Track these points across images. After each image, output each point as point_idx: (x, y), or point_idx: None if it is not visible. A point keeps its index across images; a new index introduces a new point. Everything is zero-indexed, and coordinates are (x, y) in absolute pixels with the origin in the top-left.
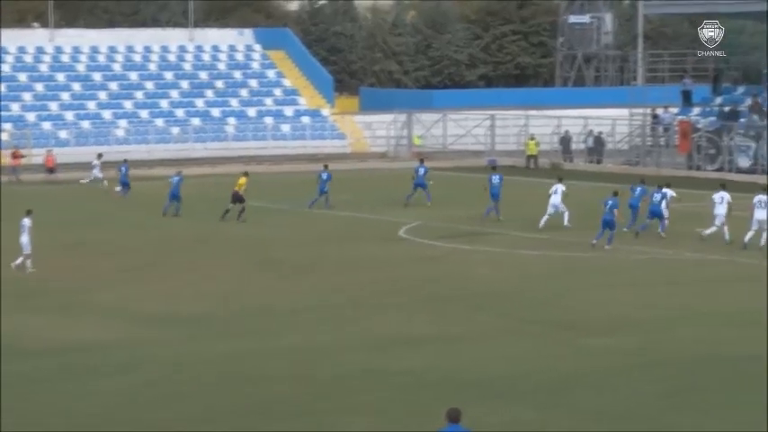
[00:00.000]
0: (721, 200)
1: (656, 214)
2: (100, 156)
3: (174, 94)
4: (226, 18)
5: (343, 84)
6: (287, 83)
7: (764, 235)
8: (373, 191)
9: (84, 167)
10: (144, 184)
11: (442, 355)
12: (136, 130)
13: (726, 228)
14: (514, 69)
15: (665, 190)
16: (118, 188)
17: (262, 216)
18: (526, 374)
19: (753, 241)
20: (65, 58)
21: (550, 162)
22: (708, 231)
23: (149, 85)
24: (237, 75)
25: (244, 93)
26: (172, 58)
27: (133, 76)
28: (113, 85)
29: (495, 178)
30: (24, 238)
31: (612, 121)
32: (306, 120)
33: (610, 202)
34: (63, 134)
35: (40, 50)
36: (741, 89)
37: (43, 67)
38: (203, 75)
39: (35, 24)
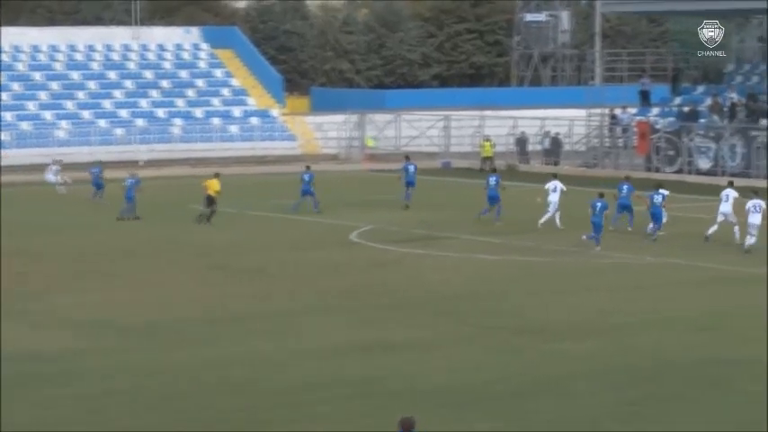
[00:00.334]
0: (726, 198)
1: (655, 216)
2: (57, 161)
3: (118, 94)
4: (172, 16)
5: (293, 83)
6: (235, 82)
7: (736, 229)
8: (324, 193)
9: (26, 170)
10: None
11: (397, 363)
12: (78, 131)
13: (736, 228)
14: (469, 69)
15: (661, 191)
16: (93, 192)
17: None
18: (487, 382)
19: (714, 237)
20: (4, 57)
21: (506, 164)
22: (710, 231)
23: (92, 84)
24: (184, 74)
25: (190, 93)
26: (116, 57)
27: (75, 75)
28: (54, 85)
29: (492, 179)
30: None
31: (570, 121)
32: (255, 120)
33: (598, 204)
34: (3, 136)
35: None
36: (701, 89)
37: None
38: (148, 74)
39: None
